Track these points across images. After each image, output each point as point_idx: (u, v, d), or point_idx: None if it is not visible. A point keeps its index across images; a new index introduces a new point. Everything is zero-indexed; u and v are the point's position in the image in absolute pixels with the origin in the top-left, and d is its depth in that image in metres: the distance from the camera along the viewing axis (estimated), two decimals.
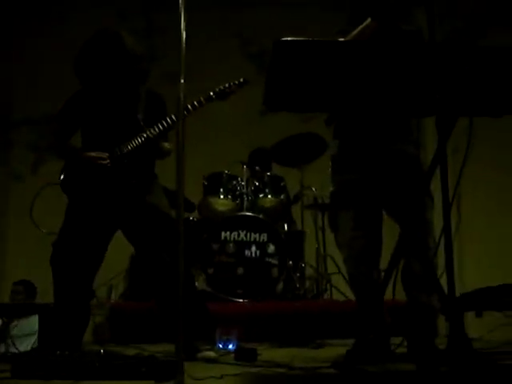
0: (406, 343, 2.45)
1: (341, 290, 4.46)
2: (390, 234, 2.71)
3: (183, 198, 4.01)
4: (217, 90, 2.97)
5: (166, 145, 2.96)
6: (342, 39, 2.31)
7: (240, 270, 4.05)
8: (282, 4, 6.37)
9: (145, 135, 2.83)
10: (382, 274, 2.56)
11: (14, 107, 6.24)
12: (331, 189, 2.73)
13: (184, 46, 2.15)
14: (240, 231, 4.08)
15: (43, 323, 3.08)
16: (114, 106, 2.91)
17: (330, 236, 4.47)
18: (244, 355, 2.61)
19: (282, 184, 4.47)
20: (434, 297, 2.44)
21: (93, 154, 2.80)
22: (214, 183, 4.33)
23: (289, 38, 1.87)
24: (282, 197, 4.44)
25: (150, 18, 6.48)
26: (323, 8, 6.21)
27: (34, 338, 3.05)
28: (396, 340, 2.45)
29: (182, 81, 2.11)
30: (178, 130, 2.05)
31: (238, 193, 4.35)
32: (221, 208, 4.32)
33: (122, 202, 2.82)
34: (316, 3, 6.31)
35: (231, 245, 4.08)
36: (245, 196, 4.31)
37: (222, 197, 4.31)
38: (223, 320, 3.25)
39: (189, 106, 2.86)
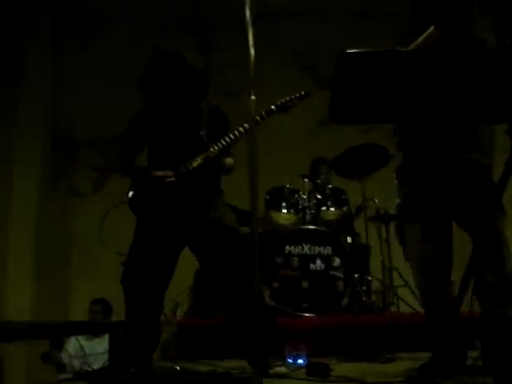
0: (481, 356, 2.38)
1: (408, 302, 4.37)
2: (461, 242, 2.66)
3: (248, 213, 4.04)
4: (278, 103, 2.97)
5: (229, 160, 2.98)
6: (405, 49, 2.29)
7: (305, 284, 4.02)
8: (334, 17, 6.38)
9: (208, 152, 2.86)
10: (455, 285, 2.50)
11: (78, 128, 6.43)
12: (397, 201, 2.68)
13: (252, 62, 2.16)
14: (304, 245, 4.06)
15: (114, 341, 3.14)
16: (177, 123, 2.95)
17: (395, 248, 4.44)
18: (316, 370, 2.58)
19: (343, 196, 4.43)
20: (510, 308, 2.37)
21: (159, 172, 2.84)
22: (276, 197, 4.33)
23: (353, 50, 1.86)
24: (344, 209, 4.39)
25: (204, 35, 6.59)
26: (371, 21, 6.21)
27: (106, 356, 3.10)
28: (473, 353, 2.39)
29: (253, 97, 2.12)
30: (250, 146, 2.06)
31: (300, 206, 4.33)
32: (283, 222, 4.30)
33: (188, 219, 2.85)
34: (365, 15, 6.31)
35: (295, 258, 4.06)
36: (307, 209, 4.30)
37: (284, 211, 4.30)
38: (290, 334, 3.23)
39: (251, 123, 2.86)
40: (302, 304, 3.97)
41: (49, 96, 6.30)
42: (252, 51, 2.17)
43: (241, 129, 2.87)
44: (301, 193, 4.39)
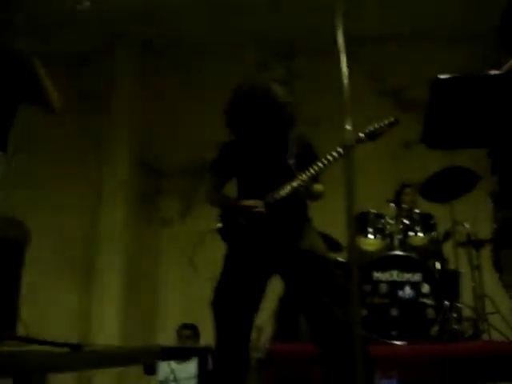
0: None
1: (500, 330, 4.21)
2: None
3: (335, 240, 4.00)
4: (367, 131, 2.94)
5: (319, 187, 2.99)
6: (497, 72, 2.24)
7: (394, 312, 3.95)
8: (411, 39, 6.31)
9: (297, 180, 2.87)
10: None
11: (164, 157, 6.61)
12: (494, 226, 2.61)
13: (347, 91, 2.17)
14: (392, 271, 4.00)
15: (203, 366, 3.17)
16: (265, 153, 2.99)
17: (486, 275, 4.31)
18: None
19: (431, 221, 4.34)
20: None
21: (248, 202, 2.88)
22: (361, 222, 4.30)
23: (446, 76, 1.85)
24: (432, 234, 4.30)
25: (288, 65, 6.65)
26: (451, 42, 6.11)
27: (194, 381, 3.13)
28: None
29: (348, 127, 2.13)
30: (346, 173, 2.06)
31: (386, 232, 4.28)
32: (369, 248, 4.26)
33: (277, 248, 2.87)
34: (443, 37, 6.21)
35: (384, 285, 4.00)
36: (394, 235, 4.24)
37: (370, 236, 4.26)
38: (379, 362, 3.18)
39: (339, 150, 2.86)
40: (391, 332, 3.90)
41: (137, 123, 6.51)
42: (345, 78, 2.17)
43: (329, 157, 2.87)
44: (387, 218, 4.34)
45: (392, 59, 6.36)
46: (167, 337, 5.53)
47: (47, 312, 5.07)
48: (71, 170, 6.43)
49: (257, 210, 2.84)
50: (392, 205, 4.43)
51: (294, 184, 2.87)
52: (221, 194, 3.08)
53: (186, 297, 6.07)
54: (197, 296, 5.69)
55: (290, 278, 2.92)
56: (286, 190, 2.87)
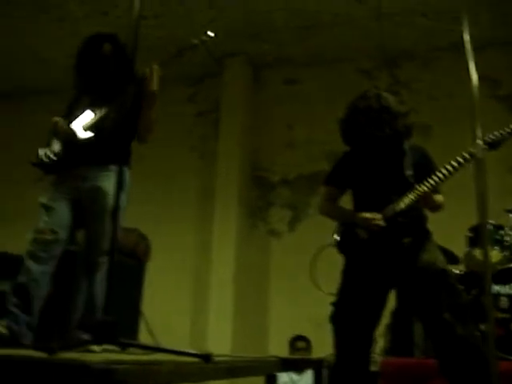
0: None
1: None
2: None
3: (452, 253, 3.88)
4: (488, 139, 2.78)
5: (439, 198, 2.92)
6: None
7: None
8: None
9: (416, 192, 2.82)
10: None
11: (274, 170, 6.70)
12: None
13: (476, 97, 2.12)
14: None
15: (318, 378, 3.19)
16: (381, 165, 2.97)
17: None
18: None
19: None
20: None
21: (367, 215, 2.85)
22: (480, 234, 4.15)
23: None
24: None
25: (394, 72, 6.57)
26: None
27: None
28: None
29: (479, 142, 2.09)
30: (478, 188, 2.01)
31: (506, 243, 4.11)
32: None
33: (396, 262, 2.83)
34: None
35: (505, 299, 3.83)
36: None
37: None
38: (503, 379, 3.04)
39: (459, 160, 2.79)
40: None
41: (248, 137, 6.65)
42: (475, 86, 2.13)
43: (448, 167, 2.81)
44: (506, 229, 4.17)
45: (505, 64, 6.13)
46: (277, 349, 5.56)
47: (165, 321, 5.22)
48: (185, 184, 6.68)
49: (377, 223, 2.81)
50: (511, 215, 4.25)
51: (413, 195, 2.82)
52: (338, 207, 3.08)
53: (296, 309, 6.09)
54: (307, 309, 5.74)
55: (410, 292, 2.87)
56: (405, 201, 2.82)
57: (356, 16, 5.86)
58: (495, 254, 4.12)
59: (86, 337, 2.96)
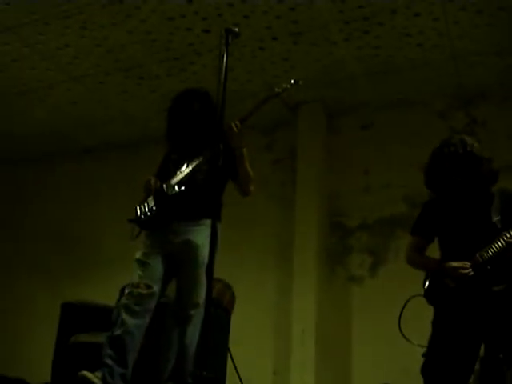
0: None
1: None
2: None
3: None
4: None
5: None
6: None
7: None
8: None
9: (505, 238, 2.78)
10: None
11: (352, 214, 6.70)
12: None
13: None
14: None
15: None
16: (468, 211, 2.95)
17: None
18: None
19: None
20: None
21: (455, 264, 2.82)
22: None
23: None
24: None
25: (470, 113, 6.51)
26: None
27: None
28: None
29: None
30: None
31: None
32: None
33: (487, 310, 2.78)
34: None
35: None
36: None
37: None
38: None
39: None
40: None
41: (325, 183, 6.70)
42: None
43: None
44: None
45: None
46: None
47: (247, 373, 5.22)
48: (265, 230, 6.74)
49: (465, 272, 2.78)
50: None
51: (502, 242, 2.78)
52: (425, 257, 3.07)
53: (380, 357, 5.97)
54: (392, 359, 5.62)
55: (501, 340, 2.80)
56: (494, 248, 2.78)
57: (430, 59, 5.87)
58: None
59: None
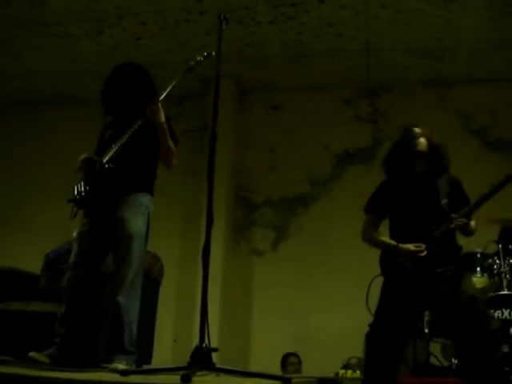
0: None
1: None
2: None
3: None
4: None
5: (472, 224, 3.17)
6: None
7: (505, 348, 4.11)
8: (499, 80, 6.51)
9: (454, 222, 3.09)
10: None
11: (255, 189, 6.96)
12: None
13: None
14: (504, 310, 4.18)
15: None
16: (417, 194, 3.22)
17: None
18: None
19: None
20: None
21: (411, 247, 3.10)
22: (470, 262, 4.52)
23: None
24: None
25: (374, 103, 6.94)
26: None
27: None
28: None
29: None
30: None
31: (495, 271, 4.48)
32: (478, 286, 4.47)
33: (429, 288, 3.08)
34: None
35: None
36: (503, 274, 4.43)
37: (478, 275, 4.48)
38: None
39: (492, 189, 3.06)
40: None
41: (234, 158, 6.90)
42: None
43: (482, 197, 3.07)
44: (495, 258, 4.54)
45: (483, 99, 6.54)
46: (260, 366, 5.72)
47: None
48: (172, 200, 6.79)
49: (418, 254, 3.06)
50: (500, 246, 4.61)
51: (450, 224, 3.06)
52: (380, 238, 3.28)
53: (277, 326, 6.32)
54: (286, 325, 5.98)
55: (441, 316, 3.13)
56: (442, 230, 3.08)
57: (345, 49, 6.19)
58: (483, 281, 4.49)
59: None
